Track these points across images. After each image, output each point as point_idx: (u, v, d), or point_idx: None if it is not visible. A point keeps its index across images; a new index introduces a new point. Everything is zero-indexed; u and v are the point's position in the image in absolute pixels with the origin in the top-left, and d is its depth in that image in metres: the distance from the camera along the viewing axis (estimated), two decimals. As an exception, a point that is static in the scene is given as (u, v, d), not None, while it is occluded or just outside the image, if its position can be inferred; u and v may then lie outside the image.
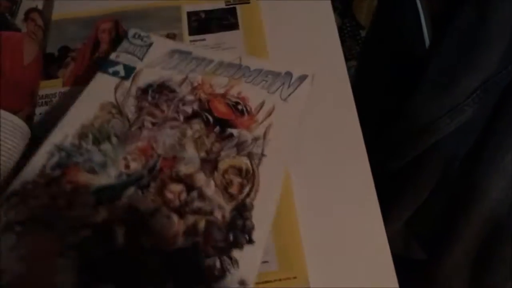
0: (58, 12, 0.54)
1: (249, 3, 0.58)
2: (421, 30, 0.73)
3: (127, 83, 0.48)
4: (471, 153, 0.63)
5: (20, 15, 0.47)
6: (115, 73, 0.48)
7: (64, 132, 0.43)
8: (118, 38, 0.54)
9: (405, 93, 0.68)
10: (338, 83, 0.52)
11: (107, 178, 0.40)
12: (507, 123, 0.57)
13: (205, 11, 0.57)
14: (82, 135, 0.43)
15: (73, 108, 0.45)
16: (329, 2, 0.59)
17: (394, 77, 0.78)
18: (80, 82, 0.50)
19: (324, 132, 0.49)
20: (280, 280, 0.40)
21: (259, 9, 0.57)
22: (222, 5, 0.57)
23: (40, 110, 0.47)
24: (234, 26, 0.56)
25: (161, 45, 0.52)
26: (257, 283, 0.39)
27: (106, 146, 0.42)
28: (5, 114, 0.41)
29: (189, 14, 0.56)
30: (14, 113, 0.41)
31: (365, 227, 0.43)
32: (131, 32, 0.52)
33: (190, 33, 0.55)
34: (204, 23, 0.56)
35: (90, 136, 0.43)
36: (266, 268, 0.40)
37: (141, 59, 0.50)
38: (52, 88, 0.49)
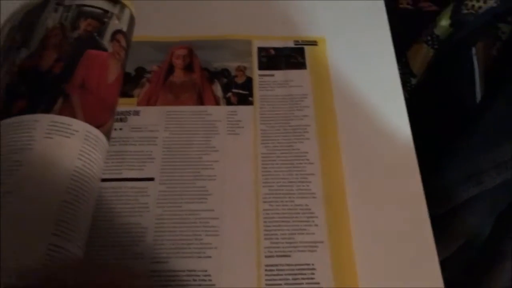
0: (137, 34, 0.57)
1: (316, 45, 0.60)
2: (473, 85, 0.75)
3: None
4: (506, 213, 0.63)
5: (107, 35, 0.51)
6: None
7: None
8: (190, 64, 0.57)
9: (451, 143, 0.69)
10: (397, 120, 0.54)
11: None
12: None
13: (274, 48, 0.59)
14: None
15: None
16: (392, 48, 0.62)
17: (440, 126, 0.79)
18: (152, 103, 0.52)
19: (380, 158, 0.51)
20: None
21: (326, 51, 0.59)
22: (291, 44, 0.60)
23: (115, 126, 0.50)
24: (301, 65, 0.58)
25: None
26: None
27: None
28: (90, 128, 0.43)
29: (260, 49, 0.59)
30: (97, 127, 0.44)
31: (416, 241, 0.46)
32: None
33: (260, 68, 0.57)
34: (273, 60, 0.58)
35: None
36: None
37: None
38: (127, 105, 0.52)
